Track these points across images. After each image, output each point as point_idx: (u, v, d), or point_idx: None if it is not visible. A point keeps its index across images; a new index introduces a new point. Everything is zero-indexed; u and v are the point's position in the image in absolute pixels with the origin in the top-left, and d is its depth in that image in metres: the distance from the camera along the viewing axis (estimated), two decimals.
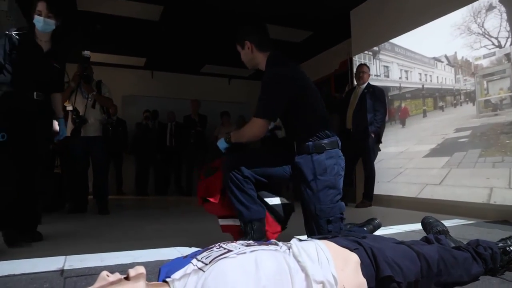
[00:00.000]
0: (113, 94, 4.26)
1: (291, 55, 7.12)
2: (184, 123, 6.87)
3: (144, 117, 6.94)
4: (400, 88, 4.27)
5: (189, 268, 0.92)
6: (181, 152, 6.86)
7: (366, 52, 4.73)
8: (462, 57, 3.48)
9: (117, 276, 0.83)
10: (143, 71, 7.59)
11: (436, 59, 3.78)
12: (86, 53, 3.92)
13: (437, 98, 3.77)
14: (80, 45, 6.24)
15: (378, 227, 2.16)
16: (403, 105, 4.22)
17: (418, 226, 2.33)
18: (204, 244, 1.78)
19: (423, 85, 3.96)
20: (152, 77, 7.72)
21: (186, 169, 6.88)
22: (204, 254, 0.96)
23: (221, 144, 1.92)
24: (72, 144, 3.88)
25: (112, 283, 0.81)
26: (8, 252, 1.98)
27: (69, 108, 3.91)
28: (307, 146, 1.84)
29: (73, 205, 3.93)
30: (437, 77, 3.78)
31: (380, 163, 4.29)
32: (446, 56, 3.67)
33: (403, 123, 4.20)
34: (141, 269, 0.85)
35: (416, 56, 4.02)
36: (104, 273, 0.82)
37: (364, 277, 1.11)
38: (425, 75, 3.93)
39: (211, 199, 1.79)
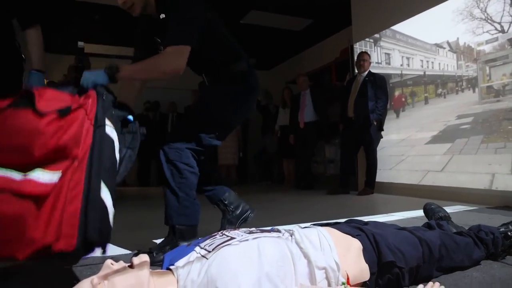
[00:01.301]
0: (114, 85, 4.25)
1: (291, 44, 7.08)
2: (186, 114, 6.86)
3: (145, 108, 6.93)
4: (401, 75, 4.24)
5: (192, 255, 0.93)
6: None
7: (367, 39, 4.69)
8: (464, 43, 3.45)
9: (121, 264, 0.84)
10: None
11: (438, 46, 3.74)
12: (80, 44, 3.90)
13: (438, 85, 3.75)
14: (78, 37, 6.23)
15: None
16: (403, 92, 4.21)
17: (420, 213, 2.34)
18: (205, 233, 1.81)
19: (424, 72, 3.94)
20: None
21: None
22: (207, 241, 0.97)
23: (95, 76, 1.25)
24: None
25: (117, 271, 0.82)
26: None
27: None
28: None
29: None
30: (439, 63, 3.75)
31: (382, 151, 4.29)
32: (448, 42, 3.64)
33: (403, 111, 4.19)
34: (145, 257, 0.86)
35: (417, 42, 3.99)
36: (109, 261, 0.83)
37: (366, 262, 1.12)
38: (427, 61, 3.90)
39: None
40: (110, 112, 1.12)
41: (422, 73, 3.96)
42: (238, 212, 1.80)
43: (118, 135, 1.12)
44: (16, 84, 1.39)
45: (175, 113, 7.00)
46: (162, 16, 1.54)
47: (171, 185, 1.56)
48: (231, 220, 1.76)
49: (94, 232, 0.92)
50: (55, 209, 0.90)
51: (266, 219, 2.42)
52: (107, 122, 1.07)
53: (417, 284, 1.08)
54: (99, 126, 1.02)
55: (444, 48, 3.68)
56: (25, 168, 0.91)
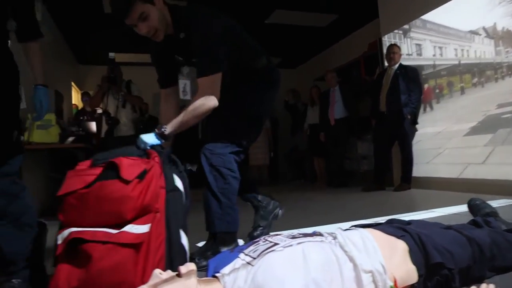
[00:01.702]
0: (144, 92, 4.35)
1: (317, 41, 7.02)
2: (217, 117, 6.91)
3: None
4: (434, 66, 4.09)
5: (237, 262, 0.93)
6: None
7: (395, 31, 4.56)
8: (503, 27, 3.27)
9: (169, 273, 0.85)
10: None
11: (473, 32, 3.58)
12: (111, 55, 4.02)
13: (475, 74, 3.59)
14: (109, 47, 6.43)
15: None
16: (437, 83, 4.05)
17: (462, 208, 2.25)
18: (244, 235, 1.82)
19: (459, 61, 3.78)
20: None
21: None
22: (251, 248, 0.97)
23: (148, 139, 1.42)
24: (107, 145, 4.02)
25: (166, 280, 0.83)
26: None
27: (99, 111, 4.04)
28: None
29: None
30: (475, 51, 3.59)
31: (418, 145, 4.16)
32: (484, 28, 3.47)
33: (438, 103, 4.04)
34: (192, 266, 0.87)
35: (450, 31, 3.83)
36: (157, 271, 0.85)
37: (413, 264, 1.08)
38: (461, 50, 3.74)
39: None
40: (170, 165, 1.31)
41: (456, 62, 3.80)
42: (270, 207, 1.81)
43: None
44: (13, 98, 1.42)
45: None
46: (182, 35, 1.55)
47: (214, 190, 1.57)
48: (264, 216, 1.78)
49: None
50: (148, 255, 1.07)
51: (302, 219, 2.41)
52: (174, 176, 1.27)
53: (469, 286, 1.04)
54: (168, 180, 1.22)
55: (480, 34, 3.51)
56: (120, 225, 1.09)
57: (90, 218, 1.10)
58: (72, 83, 6.57)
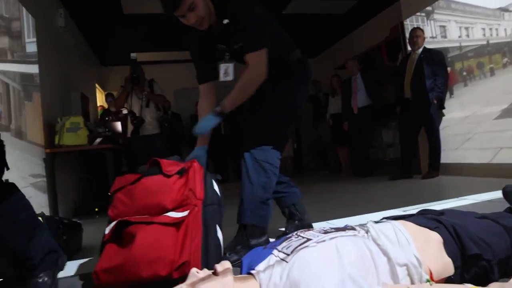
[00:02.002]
0: (165, 89, 4.41)
1: (336, 28, 6.88)
2: (237, 110, 6.94)
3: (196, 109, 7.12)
4: (460, 47, 3.95)
5: (271, 259, 0.94)
6: (237, 139, 6.98)
7: (418, 14, 4.42)
8: None
9: (206, 272, 0.87)
10: (190, 64, 7.68)
11: (503, 9, 3.42)
12: (133, 55, 4.08)
13: (506, 53, 3.44)
14: (129, 48, 6.54)
15: None
16: (463, 65, 3.91)
17: (496, 195, 2.18)
18: (272, 232, 1.83)
19: (488, 41, 3.63)
20: None
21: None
22: (284, 244, 0.98)
23: (208, 121, 1.56)
24: (133, 144, 4.12)
25: (203, 279, 0.85)
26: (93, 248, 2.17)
27: (125, 111, 4.12)
28: None
29: None
30: (505, 29, 3.43)
31: (445, 130, 4.04)
32: None
33: (465, 86, 3.91)
34: (227, 264, 0.89)
35: (477, 9, 3.68)
36: (194, 269, 0.87)
37: (449, 256, 1.06)
38: (490, 29, 3.59)
39: None
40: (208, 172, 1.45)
41: (485, 42, 3.66)
42: (304, 220, 1.81)
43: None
44: None
45: None
46: (226, 21, 1.59)
47: (254, 183, 1.59)
48: (298, 225, 1.76)
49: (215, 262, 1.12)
50: (186, 237, 1.20)
51: (330, 211, 2.40)
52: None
53: (509, 277, 1.01)
54: (206, 182, 1.35)
55: (511, 11, 3.35)
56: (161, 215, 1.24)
57: (136, 209, 1.24)
58: (96, 85, 6.73)
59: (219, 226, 1.35)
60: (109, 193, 1.35)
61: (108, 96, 5.75)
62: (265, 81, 1.59)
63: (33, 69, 3.25)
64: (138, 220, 1.21)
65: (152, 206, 1.23)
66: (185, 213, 1.23)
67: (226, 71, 1.68)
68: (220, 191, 1.42)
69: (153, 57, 6.93)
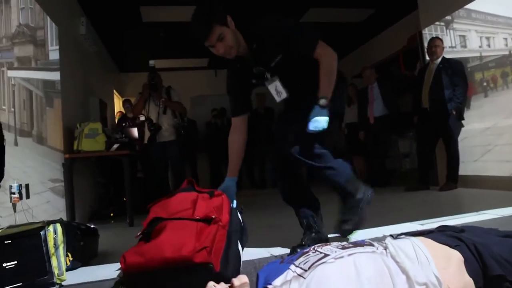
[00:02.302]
0: (181, 96, 4.46)
1: (353, 37, 6.85)
2: (251, 117, 6.96)
3: (212, 116, 7.17)
4: (481, 57, 3.88)
5: (288, 274, 0.94)
6: (251, 147, 6.98)
7: (437, 23, 4.37)
8: None
9: (223, 285, 0.87)
10: (207, 71, 7.83)
11: None
12: (151, 62, 4.14)
13: None
14: (147, 55, 6.66)
15: None
16: (484, 76, 3.84)
17: None
18: (289, 241, 1.82)
19: (510, 51, 3.55)
20: (216, 76, 7.93)
21: (257, 163, 7.01)
22: (301, 259, 0.97)
23: (319, 113, 1.53)
24: (150, 150, 4.17)
25: None
26: (109, 254, 2.19)
27: (142, 118, 4.17)
28: None
29: None
30: None
31: (464, 142, 3.96)
32: None
33: (486, 96, 3.83)
34: (244, 279, 0.89)
35: (499, 19, 3.61)
36: (211, 283, 0.87)
37: (470, 276, 1.04)
38: None
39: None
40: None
41: (507, 52, 3.58)
42: (321, 233, 1.79)
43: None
44: None
45: None
46: (254, 46, 1.69)
47: (321, 166, 1.66)
48: (315, 238, 1.74)
49: (233, 272, 1.30)
50: (210, 234, 1.32)
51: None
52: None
53: None
54: (231, 212, 1.50)
55: None
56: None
57: (169, 214, 1.41)
58: (114, 91, 6.86)
59: (241, 245, 1.46)
60: (147, 207, 1.53)
61: (125, 102, 5.85)
62: (310, 86, 1.63)
63: (55, 76, 3.34)
64: (170, 216, 1.39)
65: (183, 211, 1.40)
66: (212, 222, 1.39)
67: (277, 89, 1.73)
68: (243, 221, 1.55)
69: (171, 64, 7.04)
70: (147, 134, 4.14)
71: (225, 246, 1.36)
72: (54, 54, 3.36)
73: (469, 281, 1.02)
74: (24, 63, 2.72)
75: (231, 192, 1.59)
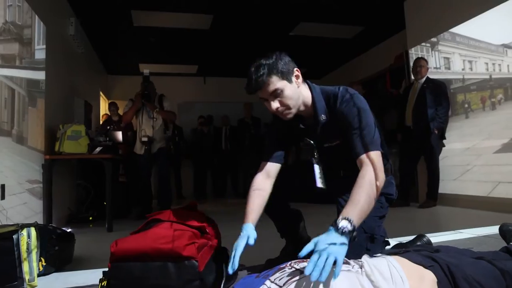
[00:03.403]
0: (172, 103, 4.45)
1: (342, 52, 6.97)
2: (238, 126, 6.98)
3: (199, 123, 7.16)
4: (463, 80, 3.99)
5: None
6: (236, 155, 6.99)
7: (423, 44, 4.48)
8: None
9: None
10: (195, 78, 7.84)
11: (506, 46, 3.48)
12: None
13: (508, 89, 3.48)
14: (136, 58, 6.62)
15: None
16: (465, 98, 3.94)
17: (493, 230, 2.17)
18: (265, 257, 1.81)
19: (490, 76, 3.67)
20: (205, 83, 7.94)
21: (243, 172, 7.00)
22: (277, 275, 0.97)
23: (334, 239, 1.00)
24: (136, 157, 4.13)
25: None
26: (84, 260, 2.15)
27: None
28: None
29: (140, 210, 4.16)
30: (508, 65, 3.48)
31: (444, 160, 4.05)
32: None
33: (467, 118, 3.93)
34: None
35: (481, 44, 3.73)
36: None
37: None
38: (493, 64, 3.64)
39: None
40: None
41: (487, 76, 3.70)
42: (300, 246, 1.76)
43: None
44: None
45: (228, 126, 7.15)
46: (323, 118, 1.43)
47: None
48: (291, 253, 1.70)
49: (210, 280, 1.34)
50: (200, 242, 1.37)
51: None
52: None
53: None
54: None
55: None
56: None
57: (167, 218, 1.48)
58: (101, 93, 6.78)
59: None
60: (145, 216, 1.57)
61: (111, 105, 5.78)
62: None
63: (40, 75, 3.29)
64: (168, 218, 1.47)
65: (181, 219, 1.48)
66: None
67: (320, 175, 1.52)
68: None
69: (159, 69, 7.02)
70: (138, 145, 4.13)
71: (211, 258, 1.40)
72: (40, 53, 3.31)
73: None
74: (8, 61, 2.67)
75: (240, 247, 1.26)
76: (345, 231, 1.02)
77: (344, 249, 0.98)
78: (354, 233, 1.06)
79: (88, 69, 5.61)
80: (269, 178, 1.51)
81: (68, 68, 4.30)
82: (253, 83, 1.33)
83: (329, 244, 0.96)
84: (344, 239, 1.00)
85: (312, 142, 1.51)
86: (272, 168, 1.52)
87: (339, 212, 1.40)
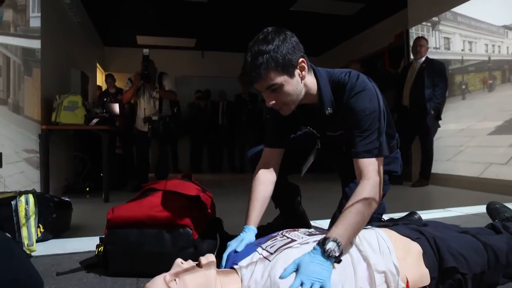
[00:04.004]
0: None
1: (342, 29, 6.87)
2: (236, 102, 6.97)
3: (196, 97, 7.12)
4: (462, 61, 3.98)
5: (255, 256, 0.97)
6: (233, 131, 7.01)
7: (424, 23, 4.43)
8: None
9: (190, 263, 0.90)
10: (193, 51, 7.74)
11: (508, 28, 3.45)
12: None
13: (506, 71, 3.47)
14: (133, 30, 6.51)
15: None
16: (463, 79, 3.94)
17: (481, 209, 2.23)
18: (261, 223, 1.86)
19: (489, 57, 3.66)
20: (203, 57, 7.84)
21: (239, 147, 7.04)
22: (269, 243, 1.01)
23: (319, 264, 0.93)
24: (135, 130, 4.12)
25: (187, 269, 0.88)
26: (81, 228, 2.19)
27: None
28: None
29: (136, 183, 4.19)
30: (507, 47, 3.46)
31: (439, 141, 4.09)
32: None
33: (463, 99, 3.94)
34: (212, 257, 0.92)
35: (482, 25, 3.70)
36: (179, 260, 0.90)
37: (426, 267, 1.10)
38: (493, 45, 3.62)
39: None
40: None
41: (486, 58, 3.69)
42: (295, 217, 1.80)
43: None
44: None
45: (225, 101, 7.13)
46: (329, 111, 1.28)
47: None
48: (283, 222, 1.76)
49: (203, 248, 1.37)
50: (195, 211, 1.42)
51: (317, 213, 2.43)
52: None
53: None
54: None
55: None
56: None
57: (164, 187, 1.48)
58: (97, 64, 6.70)
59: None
60: (142, 186, 1.56)
61: (108, 77, 5.72)
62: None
63: (36, 44, 3.24)
64: (164, 188, 1.46)
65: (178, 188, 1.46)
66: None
67: (307, 165, 1.48)
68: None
69: (157, 41, 6.91)
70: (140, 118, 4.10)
71: (205, 226, 1.44)
72: (35, 21, 3.26)
73: (425, 271, 1.08)
74: (2, 28, 2.63)
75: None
76: (331, 256, 0.94)
77: (329, 272, 0.92)
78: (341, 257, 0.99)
79: (85, 40, 5.52)
80: (272, 166, 1.42)
81: (64, 38, 4.23)
82: (247, 75, 1.16)
83: (313, 269, 0.90)
84: (329, 264, 0.94)
85: (314, 131, 1.41)
86: (275, 154, 1.43)
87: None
